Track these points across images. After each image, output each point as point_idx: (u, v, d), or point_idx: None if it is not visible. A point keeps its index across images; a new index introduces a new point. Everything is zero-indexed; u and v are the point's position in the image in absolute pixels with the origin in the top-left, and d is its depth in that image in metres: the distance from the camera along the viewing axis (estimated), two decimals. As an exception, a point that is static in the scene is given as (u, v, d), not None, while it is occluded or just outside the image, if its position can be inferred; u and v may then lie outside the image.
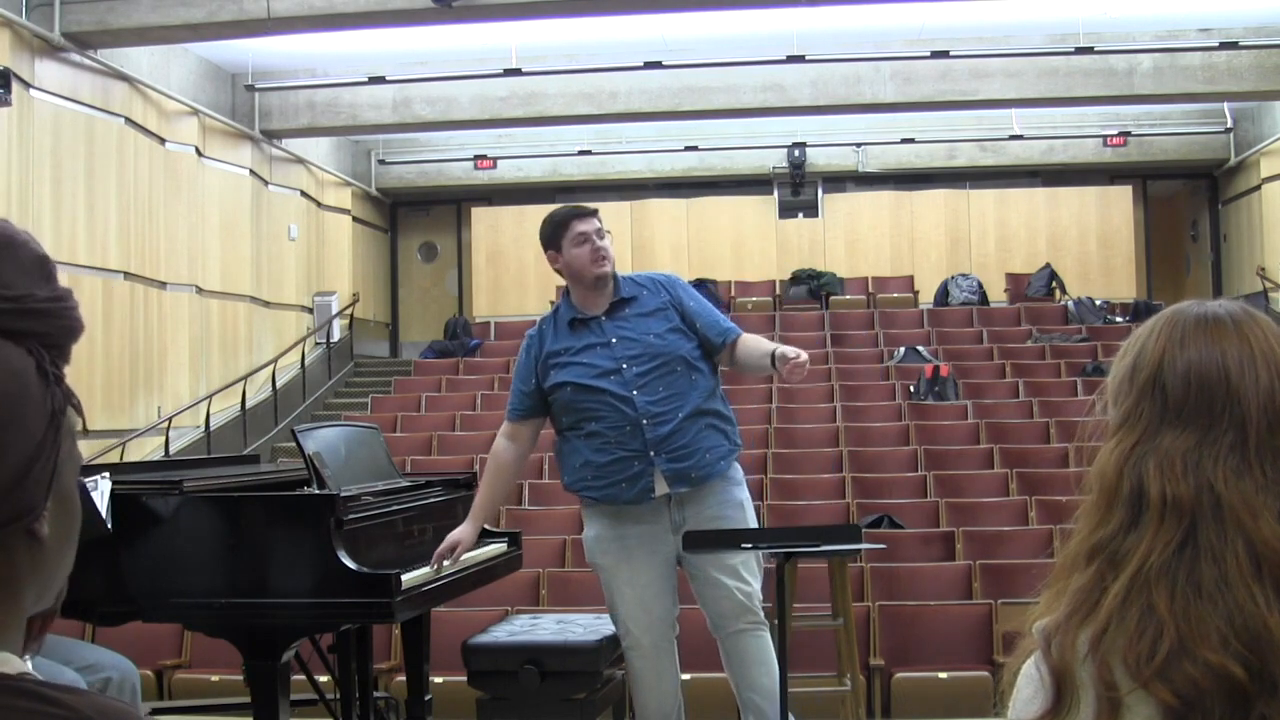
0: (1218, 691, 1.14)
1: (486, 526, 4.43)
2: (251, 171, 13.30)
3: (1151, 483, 1.24)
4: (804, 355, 3.73)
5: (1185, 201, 17.48)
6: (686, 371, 3.91)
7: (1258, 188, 14.61)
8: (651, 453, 3.83)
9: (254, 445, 12.02)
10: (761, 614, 3.91)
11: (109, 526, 3.34)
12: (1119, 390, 1.33)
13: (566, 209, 4.10)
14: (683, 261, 15.70)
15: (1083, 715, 1.20)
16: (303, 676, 4.20)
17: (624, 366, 3.89)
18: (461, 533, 3.92)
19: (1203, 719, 1.15)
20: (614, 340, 3.93)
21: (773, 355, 3.81)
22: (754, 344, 4.00)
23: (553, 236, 4.04)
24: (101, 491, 3.31)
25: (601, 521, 3.96)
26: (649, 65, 12.23)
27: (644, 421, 3.83)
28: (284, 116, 13.43)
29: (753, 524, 4.04)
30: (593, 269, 3.97)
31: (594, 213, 4.07)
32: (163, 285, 11.49)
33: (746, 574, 3.88)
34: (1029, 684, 1.26)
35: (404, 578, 3.54)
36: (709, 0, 10.57)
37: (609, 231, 4.06)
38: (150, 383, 11.18)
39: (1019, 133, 15.27)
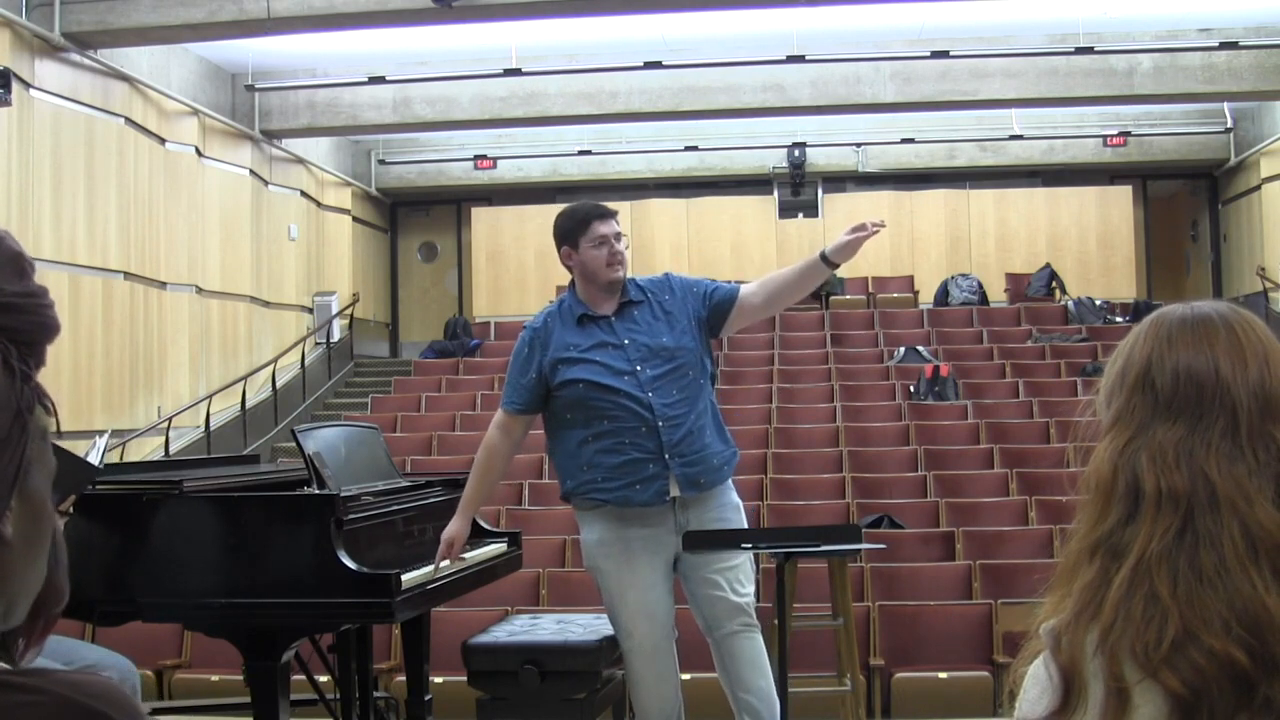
0: (1222, 677, 1.16)
1: (486, 526, 4.43)
2: (251, 171, 13.29)
3: (1146, 475, 1.25)
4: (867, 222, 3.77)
5: (1185, 201, 17.47)
6: (696, 377, 3.89)
7: (1258, 188, 14.59)
8: (666, 455, 3.79)
9: (254, 445, 12.01)
10: (754, 616, 3.89)
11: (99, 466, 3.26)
12: (1110, 392, 1.35)
13: (588, 207, 4.00)
14: (683, 261, 15.69)
15: (1090, 713, 1.21)
16: (303, 676, 4.20)
17: (639, 368, 3.84)
18: (454, 529, 3.88)
19: (1209, 706, 1.16)
20: (627, 342, 3.88)
21: (822, 255, 3.83)
22: (779, 271, 4.04)
23: (570, 233, 3.95)
24: (97, 446, 3.23)
25: (604, 524, 3.89)
26: (649, 65, 12.23)
27: (660, 424, 3.79)
28: (284, 116, 13.43)
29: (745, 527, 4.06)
30: (608, 273, 3.92)
31: (614, 214, 4.01)
32: (163, 285, 11.49)
33: (742, 576, 3.87)
34: (1035, 684, 1.27)
35: (404, 578, 3.53)
36: (709, 0, 10.57)
37: (624, 234, 4.00)
38: (150, 383, 11.18)
39: (1019, 133, 15.27)
